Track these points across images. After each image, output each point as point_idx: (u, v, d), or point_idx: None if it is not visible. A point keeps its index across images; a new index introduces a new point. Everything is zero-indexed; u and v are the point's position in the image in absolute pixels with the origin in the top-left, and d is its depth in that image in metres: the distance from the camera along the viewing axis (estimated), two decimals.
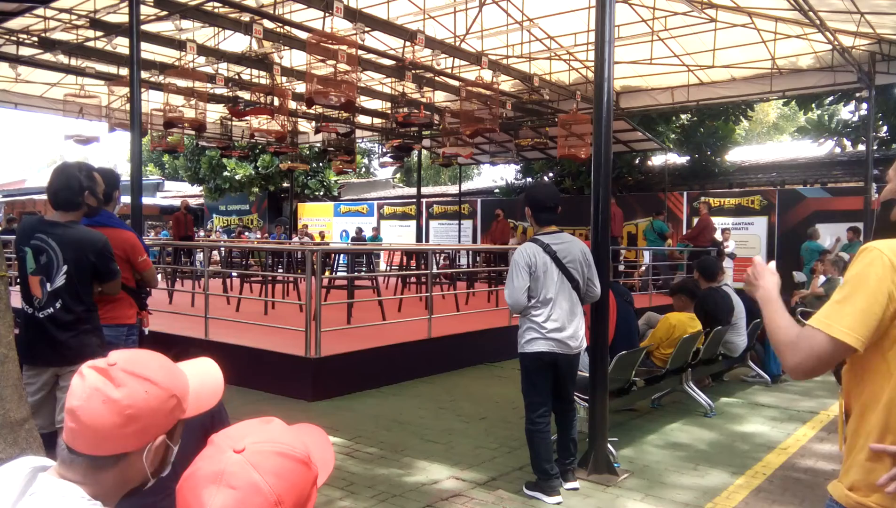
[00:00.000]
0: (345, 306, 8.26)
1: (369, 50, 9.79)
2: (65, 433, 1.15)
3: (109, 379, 1.11)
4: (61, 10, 9.99)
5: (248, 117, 10.75)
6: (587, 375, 4.38)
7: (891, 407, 1.53)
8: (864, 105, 15.30)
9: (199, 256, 13.32)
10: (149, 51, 10.29)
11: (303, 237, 17.53)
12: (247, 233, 22.58)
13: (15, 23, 10.02)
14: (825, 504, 1.66)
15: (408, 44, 9.44)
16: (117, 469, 1.14)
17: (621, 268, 14.06)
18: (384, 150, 14.75)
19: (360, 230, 18.90)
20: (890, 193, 1.70)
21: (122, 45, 9.96)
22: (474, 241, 18.71)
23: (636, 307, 6.31)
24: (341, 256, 12.77)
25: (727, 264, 13.02)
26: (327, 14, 8.03)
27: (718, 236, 13.43)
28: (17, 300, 3.54)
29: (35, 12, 9.85)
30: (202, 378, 1.28)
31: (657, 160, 18.55)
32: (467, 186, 25.10)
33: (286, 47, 9.65)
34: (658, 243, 13.41)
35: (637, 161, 18.50)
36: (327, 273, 11.75)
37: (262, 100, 10.37)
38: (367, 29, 8.82)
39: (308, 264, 6.55)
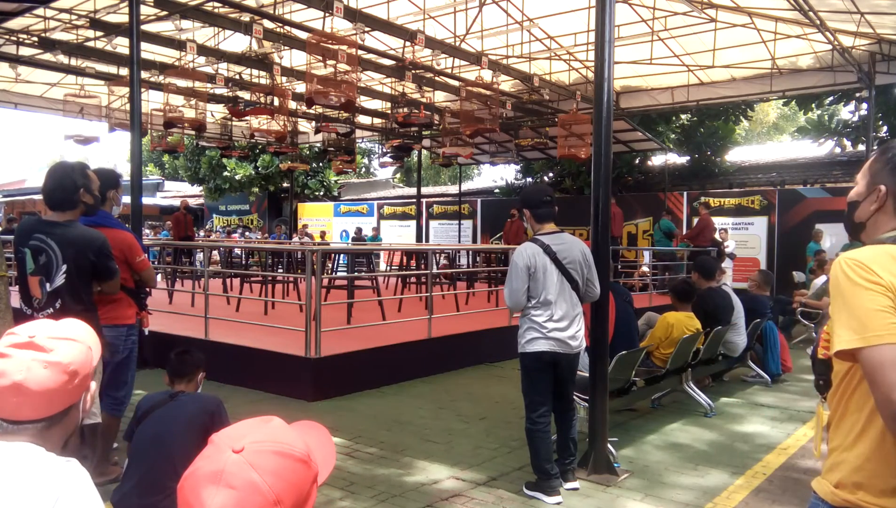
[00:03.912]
0: (345, 307, 8.26)
1: (369, 50, 9.79)
2: (5, 410, 1.22)
3: (39, 348, 1.23)
4: (61, 10, 9.99)
5: (248, 117, 10.74)
6: (587, 375, 4.38)
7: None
8: (864, 105, 15.31)
9: (199, 256, 13.33)
10: (149, 51, 10.28)
11: (303, 237, 17.54)
12: (247, 233, 22.57)
13: (15, 23, 10.01)
14: (809, 502, 1.66)
15: (408, 44, 9.44)
16: (64, 421, 1.29)
17: (621, 268, 14.06)
18: (384, 150, 14.74)
19: (359, 230, 18.91)
20: (855, 195, 1.72)
21: (122, 45, 9.96)
22: (474, 241, 18.70)
23: (636, 307, 6.31)
24: (341, 256, 12.77)
25: (727, 264, 13.03)
26: (327, 14, 8.03)
27: (718, 236, 13.44)
28: (16, 301, 3.54)
29: (35, 12, 9.85)
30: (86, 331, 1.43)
31: (657, 160, 18.55)
32: (467, 186, 25.10)
33: (286, 47, 9.65)
34: (665, 242, 13.42)
35: (637, 161, 18.50)
36: (327, 273, 11.74)
37: (262, 100, 10.38)
38: (367, 29, 8.82)
39: (308, 264, 6.55)
